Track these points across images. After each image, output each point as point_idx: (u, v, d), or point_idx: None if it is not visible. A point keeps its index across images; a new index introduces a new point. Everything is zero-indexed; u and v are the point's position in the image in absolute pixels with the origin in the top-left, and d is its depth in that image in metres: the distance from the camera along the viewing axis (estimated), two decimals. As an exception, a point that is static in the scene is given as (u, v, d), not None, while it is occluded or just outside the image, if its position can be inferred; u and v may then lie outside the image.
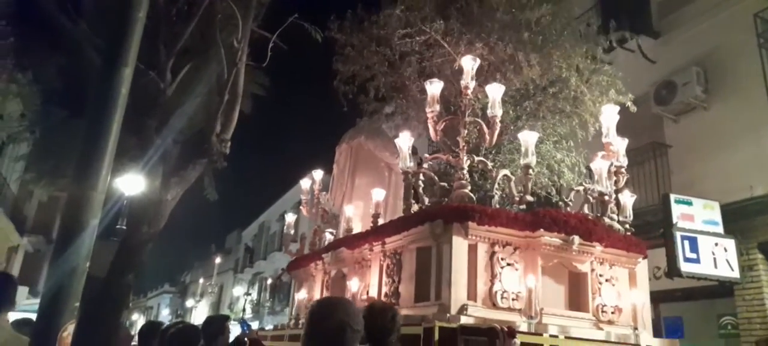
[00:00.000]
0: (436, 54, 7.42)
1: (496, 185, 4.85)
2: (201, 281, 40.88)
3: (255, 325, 23.73)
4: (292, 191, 23.03)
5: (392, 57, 7.68)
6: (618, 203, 5.19)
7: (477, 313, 3.98)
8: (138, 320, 43.04)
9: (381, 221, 5.50)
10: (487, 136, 4.75)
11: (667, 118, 9.23)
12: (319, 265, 6.34)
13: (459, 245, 4.14)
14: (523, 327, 3.99)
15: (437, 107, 4.87)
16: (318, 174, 7.18)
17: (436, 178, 5.13)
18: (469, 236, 4.18)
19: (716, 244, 7.38)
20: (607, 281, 4.64)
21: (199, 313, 37.71)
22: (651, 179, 8.94)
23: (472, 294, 4.11)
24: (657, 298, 8.40)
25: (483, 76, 6.40)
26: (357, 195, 6.85)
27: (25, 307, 11.90)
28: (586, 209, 5.04)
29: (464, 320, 3.82)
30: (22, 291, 16.13)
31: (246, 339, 5.29)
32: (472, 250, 4.22)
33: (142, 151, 7.66)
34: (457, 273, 4.06)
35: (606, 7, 10.51)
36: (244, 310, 28.98)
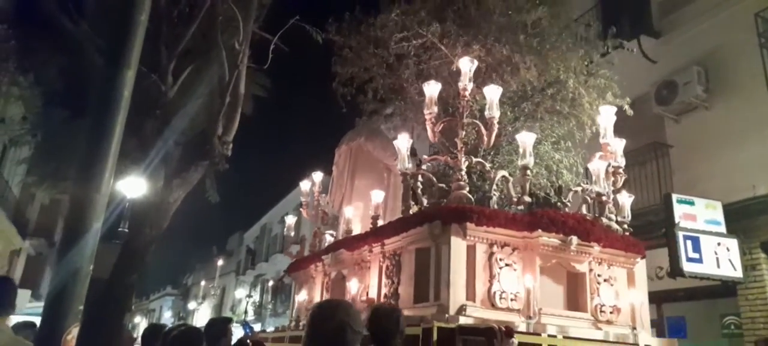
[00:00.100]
0: (434, 56, 7.45)
1: (495, 186, 4.86)
2: (203, 283, 40.89)
3: (257, 327, 23.74)
4: (294, 192, 23.03)
5: (390, 59, 7.70)
6: (616, 204, 5.21)
7: (476, 313, 4.00)
8: (140, 323, 43.07)
9: (380, 222, 5.52)
10: (485, 138, 4.78)
11: (669, 118, 9.22)
12: (319, 266, 6.36)
13: (457, 246, 4.16)
14: (522, 327, 4.02)
15: (435, 109, 4.90)
16: (318, 176, 7.20)
17: (435, 179, 5.14)
18: (468, 237, 4.20)
19: (719, 244, 7.37)
20: (605, 281, 4.66)
21: (201, 315, 37.72)
22: (653, 179, 8.93)
23: (470, 295, 4.13)
24: (660, 298, 8.41)
25: (481, 78, 6.42)
26: (356, 196, 6.86)
27: (28, 310, 11.93)
28: (584, 210, 5.05)
29: (463, 320, 3.84)
30: (25, 294, 16.14)
31: (248, 341, 5.31)
32: (471, 250, 4.24)
33: (144, 154, 7.68)
34: (455, 274, 4.09)
35: (606, 7, 10.50)
36: (246, 312, 29.00)
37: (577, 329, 4.24)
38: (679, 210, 7.43)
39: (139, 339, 6.21)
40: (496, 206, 4.85)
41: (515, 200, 4.71)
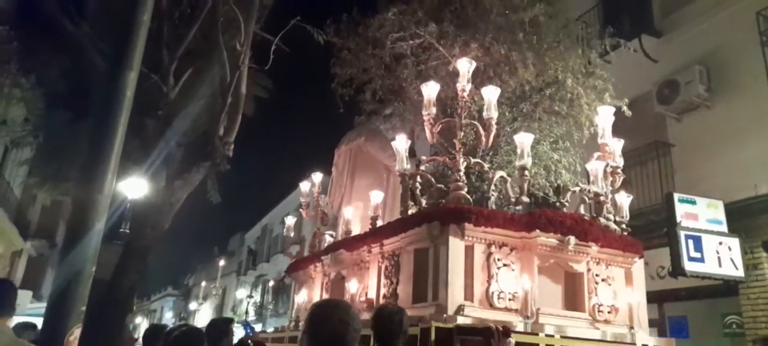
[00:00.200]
0: (432, 56, 7.46)
1: (493, 186, 4.87)
2: (204, 283, 40.92)
3: (258, 327, 23.76)
4: (295, 193, 23.02)
5: (388, 60, 7.72)
6: (614, 204, 5.22)
7: (474, 313, 4.02)
8: (141, 323, 43.10)
9: (380, 223, 5.53)
10: (484, 139, 4.80)
11: (670, 117, 9.20)
12: (318, 267, 6.38)
13: (456, 246, 4.18)
14: (520, 327, 4.04)
15: (434, 110, 4.92)
16: (317, 177, 7.22)
17: (433, 179, 5.15)
18: (466, 237, 4.22)
19: (720, 243, 7.36)
20: (603, 280, 4.67)
21: (202, 316, 37.77)
22: (654, 179, 8.92)
23: (469, 295, 4.15)
24: (661, 297, 8.41)
25: (479, 78, 6.43)
26: (356, 197, 6.88)
27: (30, 311, 11.94)
28: (582, 210, 5.05)
29: (461, 320, 3.86)
30: (26, 295, 16.17)
31: (249, 341, 5.31)
32: (469, 251, 4.26)
33: (146, 155, 7.69)
34: (453, 274, 4.11)
35: (607, 6, 10.49)
36: (247, 312, 29.01)
37: (575, 329, 4.26)
38: (680, 209, 7.42)
39: (141, 340, 6.21)
40: (494, 207, 4.86)
41: (513, 200, 4.73)
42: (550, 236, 4.35)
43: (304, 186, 7.40)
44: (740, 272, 7.38)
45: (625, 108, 7.07)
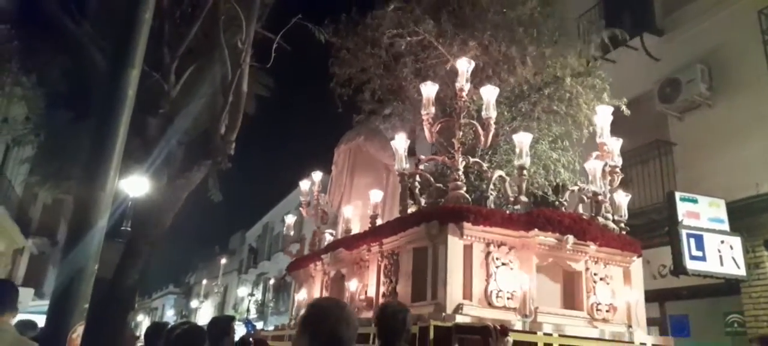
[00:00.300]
0: (431, 55, 7.47)
1: (492, 186, 4.88)
2: (205, 281, 40.99)
3: (259, 325, 23.80)
4: (296, 191, 23.02)
5: (387, 59, 7.73)
6: (613, 203, 5.23)
7: (472, 312, 4.04)
8: (143, 321, 43.17)
9: (379, 222, 5.56)
10: (482, 138, 4.81)
11: (672, 116, 9.20)
12: (318, 265, 6.41)
13: (454, 245, 4.20)
14: (518, 326, 4.06)
15: (432, 109, 4.94)
16: (317, 175, 7.23)
17: (432, 179, 5.16)
18: (465, 236, 4.24)
19: (722, 241, 7.36)
20: (601, 279, 4.69)
21: (203, 313, 37.84)
22: (656, 177, 8.92)
23: (467, 293, 4.17)
24: (663, 296, 8.41)
25: (478, 77, 6.44)
26: (356, 196, 6.90)
27: (32, 308, 11.96)
28: (580, 209, 5.06)
29: (459, 319, 3.88)
30: (28, 293, 16.22)
31: (251, 339, 5.32)
32: (468, 250, 4.28)
33: (147, 153, 7.69)
34: (452, 273, 4.13)
35: (609, 5, 10.48)
36: (248, 310, 29.06)
37: (573, 328, 4.28)
38: (682, 208, 7.42)
39: (142, 337, 6.23)
40: (493, 206, 4.87)
41: (512, 199, 4.74)
42: (549, 235, 4.37)
43: (304, 185, 7.42)
44: (742, 271, 7.38)
45: (623, 107, 7.08)
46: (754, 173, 7.81)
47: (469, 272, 4.22)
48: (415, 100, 7.56)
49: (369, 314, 4.84)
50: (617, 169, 5.25)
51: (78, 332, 1.97)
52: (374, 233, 5.27)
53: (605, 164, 5.13)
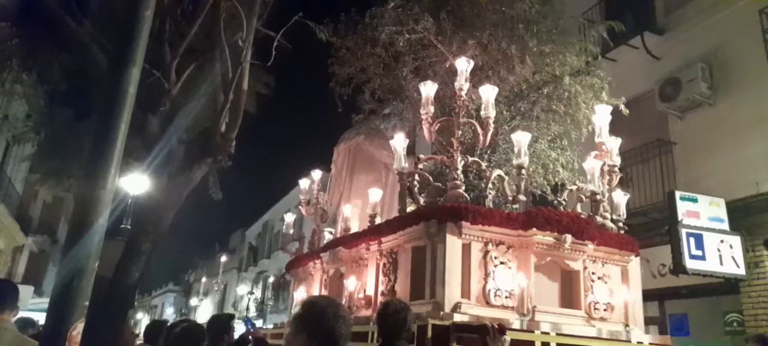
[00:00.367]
0: (430, 54, 7.47)
1: (490, 185, 4.89)
2: (205, 279, 41.04)
3: (259, 323, 23.80)
4: (296, 190, 23.03)
5: (387, 59, 7.73)
6: (611, 202, 5.24)
7: (471, 311, 4.05)
8: (142, 319, 43.24)
9: (378, 221, 5.58)
10: (481, 137, 4.82)
11: (672, 115, 9.21)
12: (317, 264, 6.43)
13: (453, 244, 4.21)
14: (516, 324, 4.08)
15: (431, 109, 4.95)
16: (316, 174, 7.24)
17: (431, 178, 5.17)
18: (463, 235, 4.25)
19: (722, 241, 7.38)
20: (599, 278, 4.71)
21: (203, 311, 37.88)
22: (656, 176, 8.93)
23: (466, 292, 4.18)
24: (662, 295, 8.43)
25: (477, 76, 6.45)
26: (355, 195, 6.92)
27: (32, 306, 11.99)
28: (579, 208, 5.08)
29: (458, 317, 3.89)
30: (28, 290, 16.23)
31: (250, 337, 5.31)
32: (466, 249, 4.29)
33: (147, 151, 7.68)
34: (451, 272, 4.14)
35: (610, 4, 10.48)
36: (248, 308, 29.09)
37: (571, 327, 4.29)
38: (682, 207, 7.43)
39: (141, 335, 6.24)
40: (492, 205, 4.88)
41: (511, 198, 4.75)
42: (547, 234, 4.39)
43: (304, 183, 7.43)
44: (741, 270, 7.40)
45: (622, 106, 7.08)
46: (755, 172, 7.82)
47: (468, 271, 4.23)
48: (414, 100, 7.57)
49: (368, 313, 4.85)
50: (615, 169, 5.27)
51: (78, 329, 1.98)
52: (373, 232, 5.29)
53: (603, 164, 5.15)
